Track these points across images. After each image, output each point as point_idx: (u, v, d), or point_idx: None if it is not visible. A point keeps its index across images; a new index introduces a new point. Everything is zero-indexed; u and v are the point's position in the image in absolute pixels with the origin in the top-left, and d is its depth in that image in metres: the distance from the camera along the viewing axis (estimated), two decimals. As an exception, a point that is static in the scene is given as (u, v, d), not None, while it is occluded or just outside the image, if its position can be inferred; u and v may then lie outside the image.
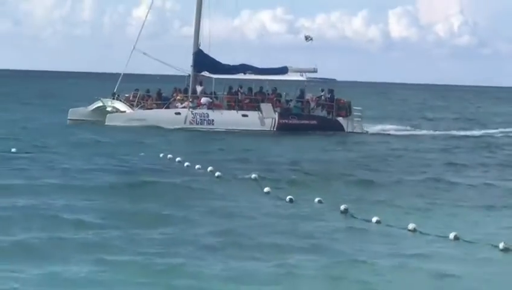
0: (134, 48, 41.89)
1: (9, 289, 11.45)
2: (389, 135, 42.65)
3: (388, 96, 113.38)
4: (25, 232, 15.30)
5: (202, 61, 42.53)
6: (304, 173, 25.94)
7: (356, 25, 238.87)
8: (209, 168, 24.55)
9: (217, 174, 23.82)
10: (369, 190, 22.75)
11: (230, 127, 39.95)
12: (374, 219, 16.90)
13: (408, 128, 46.19)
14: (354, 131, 41.71)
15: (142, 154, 29.39)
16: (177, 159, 27.10)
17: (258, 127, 40.50)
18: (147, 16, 43.82)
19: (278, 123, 40.78)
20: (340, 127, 41.58)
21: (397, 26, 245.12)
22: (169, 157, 27.66)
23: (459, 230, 15.77)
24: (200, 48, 42.75)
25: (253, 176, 23.47)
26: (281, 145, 36.09)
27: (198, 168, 25.00)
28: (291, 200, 19.52)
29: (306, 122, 41.34)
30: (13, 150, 28.52)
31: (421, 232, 16.06)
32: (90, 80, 49.66)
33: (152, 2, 43.79)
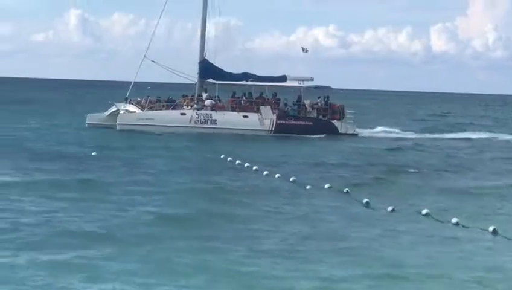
0: (144, 56, 45.66)
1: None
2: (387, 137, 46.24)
3: (419, 106, 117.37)
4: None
5: (207, 69, 46.25)
6: (373, 178, 26.71)
7: (401, 40, 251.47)
8: (277, 175, 25.68)
9: (291, 179, 24.71)
10: (448, 195, 23.28)
11: (231, 127, 43.37)
12: (491, 228, 17.27)
13: (397, 130, 49.67)
14: (347, 132, 45.11)
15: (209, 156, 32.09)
16: (246, 164, 28.46)
17: (258, 127, 43.89)
18: (155, 28, 47.42)
19: (276, 124, 44.15)
20: (334, 129, 44.92)
21: (438, 41, 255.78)
22: (238, 163, 29.00)
23: None
24: (206, 57, 46.66)
25: (326, 186, 23.83)
26: (319, 148, 38.62)
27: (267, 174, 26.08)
28: (367, 204, 20.36)
29: (302, 123, 44.69)
30: (93, 153, 31.20)
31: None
32: (163, 89, 52.96)
33: (160, 16, 47.41)
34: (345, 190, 22.69)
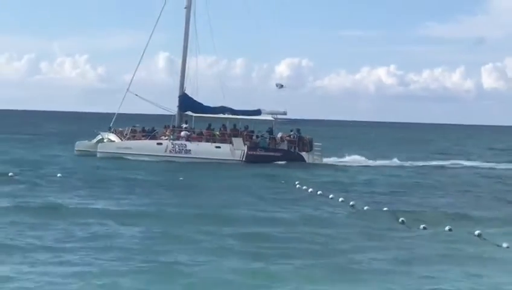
0: (128, 90, 49.48)
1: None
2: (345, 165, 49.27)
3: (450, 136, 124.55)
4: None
5: (186, 102, 49.86)
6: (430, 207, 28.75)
7: (455, 78, 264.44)
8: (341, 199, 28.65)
9: (351, 203, 27.39)
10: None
11: (205, 156, 46.61)
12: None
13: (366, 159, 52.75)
14: (314, 162, 48.25)
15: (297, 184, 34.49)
16: (319, 192, 31.20)
17: (230, 157, 47.08)
18: (139, 64, 51.33)
19: (247, 154, 47.31)
20: (301, 159, 48.09)
21: (488, 79, 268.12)
22: (311, 191, 31.87)
23: None
24: (185, 91, 50.27)
25: (384, 208, 26.34)
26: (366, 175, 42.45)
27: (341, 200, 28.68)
28: (424, 228, 22.32)
29: (272, 154, 47.82)
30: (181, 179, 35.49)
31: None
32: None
33: (143, 55, 51.35)
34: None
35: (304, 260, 17.34)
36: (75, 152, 49.63)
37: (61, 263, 16.29)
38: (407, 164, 51.99)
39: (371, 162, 51.49)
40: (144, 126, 50.31)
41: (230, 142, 47.75)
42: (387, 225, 23.50)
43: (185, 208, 25.88)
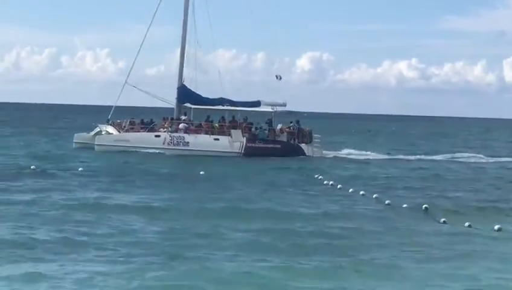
0: (126, 82, 49.18)
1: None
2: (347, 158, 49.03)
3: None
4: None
5: (185, 94, 49.46)
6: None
7: (476, 72, 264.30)
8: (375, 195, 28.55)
9: (387, 202, 26.91)
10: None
11: (203, 149, 46.31)
12: None
13: (363, 152, 52.45)
14: (313, 155, 47.86)
15: (319, 177, 35.15)
16: (339, 186, 31.70)
17: (228, 149, 46.71)
18: (137, 55, 50.99)
19: (246, 146, 46.93)
20: (301, 152, 47.67)
21: (510, 72, 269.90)
22: (332, 184, 32.45)
23: None
24: (184, 83, 49.90)
25: (424, 206, 25.57)
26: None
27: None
28: (469, 226, 22.06)
29: (271, 146, 47.43)
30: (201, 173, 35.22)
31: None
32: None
33: (140, 49, 50.99)
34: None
35: (328, 256, 17.55)
36: (74, 144, 49.48)
37: (89, 258, 16.50)
38: (427, 157, 51.74)
39: (385, 156, 51.53)
40: (143, 118, 50.12)
41: (229, 134, 47.35)
42: (411, 218, 23.77)
43: (209, 202, 26.07)
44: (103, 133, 47.86)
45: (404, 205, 26.34)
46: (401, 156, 52.27)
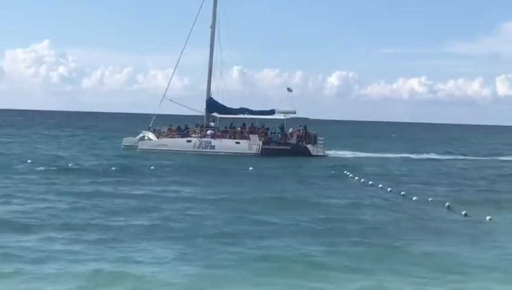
0: (164, 96, 59.73)
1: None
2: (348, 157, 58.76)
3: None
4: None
5: (212, 105, 59.71)
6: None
7: (474, 87, 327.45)
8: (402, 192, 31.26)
9: (414, 198, 29.16)
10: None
11: (226, 150, 56.20)
12: None
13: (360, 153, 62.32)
14: (318, 154, 57.67)
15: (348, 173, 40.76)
16: (370, 182, 35.70)
17: (247, 151, 56.59)
18: (172, 75, 61.65)
19: (262, 148, 56.97)
20: (308, 152, 57.41)
21: (502, 88, 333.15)
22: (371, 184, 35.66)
23: None
24: (212, 96, 60.16)
25: (447, 204, 27.43)
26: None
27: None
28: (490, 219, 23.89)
29: (282, 147, 57.16)
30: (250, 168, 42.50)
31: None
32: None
33: (175, 68, 61.54)
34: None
35: (366, 240, 19.92)
36: (122, 146, 60.04)
37: (164, 246, 18.79)
38: (443, 157, 61.97)
39: (406, 155, 62.16)
40: (180, 125, 60.38)
41: (248, 138, 57.39)
42: (438, 213, 25.73)
43: (266, 196, 29.98)
44: (145, 138, 58.40)
45: (430, 199, 29.02)
46: (415, 156, 62.96)
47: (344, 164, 50.40)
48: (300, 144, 58.05)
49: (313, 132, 59.52)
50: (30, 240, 18.91)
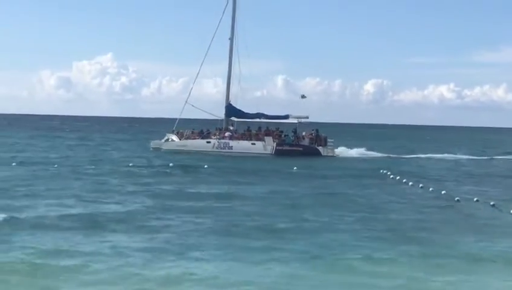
0: (186, 102, 64.96)
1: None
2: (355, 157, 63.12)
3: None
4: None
5: (231, 110, 64.67)
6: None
7: (499, 93, 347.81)
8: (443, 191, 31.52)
9: (456, 198, 29.02)
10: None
11: (243, 151, 60.59)
12: None
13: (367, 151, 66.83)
14: (328, 155, 62.12)
15: (385, 171, 42.24)
16: (410, 183, 36.04)
17: (262, 151, 60.87)
18: (193, 84, 66.87)
19: (276, 149, 61.42)
20: (318, 152, 61.79)
21: None
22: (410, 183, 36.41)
23: None
24: (230, 102, 65.22)
25: (475, 199, 28.41)
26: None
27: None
28: None
29: (295, 148, 61.55)
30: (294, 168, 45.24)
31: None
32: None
33: (197, 76, 66.83)
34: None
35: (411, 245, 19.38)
36: (151, 148, 65.08)
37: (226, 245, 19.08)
38: (472, 157, 66.11)
39: (439, 156, 66.58)
40: (202, 128, 65.34)
41: (263, 140, 62.07)
42: (486, 213, 25.90)
43: (315, 194, 31.26)
44: (170, 140, 63.61)
45: (475, 199, 28.97)
46: (446, 155, 67.30)
47: (373, 164, 53.02)
48: (312, 145, 62.54)
49: (323, 135, 64.02)
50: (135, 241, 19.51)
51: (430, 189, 33.45)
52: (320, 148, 62.37)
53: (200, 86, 69.02)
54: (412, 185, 35.91)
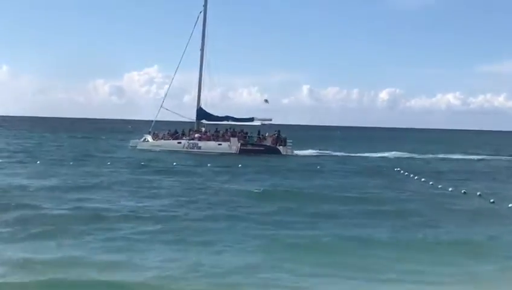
0: (161, 106, 71.88)
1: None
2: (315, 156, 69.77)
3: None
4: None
5: (201, 113, 71.64)
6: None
7: (500, 100, 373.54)
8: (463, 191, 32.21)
9: (491, 200, 28.94)
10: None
11: (210, 150, 67.16)
12: None
13: (318, 151, 73.54)
14: (287, 154, 68.68)
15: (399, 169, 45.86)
16: (422, 179, 38.15)
17: (227, 151, 67.34)
18: (169, 86, 73.79)
19: (240, 149, 68.14)
20: (278, 152, 68.11)
21: None
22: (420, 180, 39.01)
23: None
24: (201, 106, 72.11)
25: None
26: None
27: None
28: None
29: (257, 148, 68.14)
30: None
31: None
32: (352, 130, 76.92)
33: (172, 81, 73.78)
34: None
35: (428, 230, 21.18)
36: (129, 147, 71.73)
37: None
38: (478, 157, 72.60)
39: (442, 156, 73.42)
40: (176, 129, 72.21)
41: (229, 141, 68.90)
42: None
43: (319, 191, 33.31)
44: (146, 140, 70.63)
45: (510, 205, 28.11)
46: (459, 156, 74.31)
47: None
48: (273, 145, 69.18)
49: (284, 136, 70.61)
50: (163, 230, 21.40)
51: (439, 186, 34.91)
52: (280, 147, 68.86)
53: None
54: (423, 181, 38.12)
